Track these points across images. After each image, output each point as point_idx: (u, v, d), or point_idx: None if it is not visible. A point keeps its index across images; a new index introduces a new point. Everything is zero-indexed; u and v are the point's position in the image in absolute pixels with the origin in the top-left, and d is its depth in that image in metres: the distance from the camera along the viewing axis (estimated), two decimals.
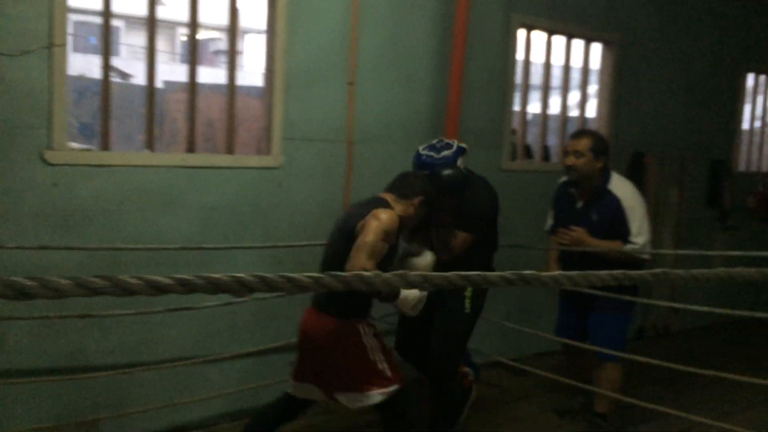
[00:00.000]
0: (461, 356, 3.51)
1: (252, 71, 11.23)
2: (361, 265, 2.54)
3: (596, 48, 5.49)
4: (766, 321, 6.01)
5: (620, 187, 3.61)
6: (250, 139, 4.07)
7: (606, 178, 3.62)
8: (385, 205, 2.88)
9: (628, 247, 3.51)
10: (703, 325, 6.31)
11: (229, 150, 3.80)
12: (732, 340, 5.83)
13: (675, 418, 3.74)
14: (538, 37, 5.08)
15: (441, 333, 3.34)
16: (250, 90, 4.16)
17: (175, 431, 3.70)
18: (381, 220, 2.71)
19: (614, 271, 1.36)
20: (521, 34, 4.93)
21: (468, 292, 3.30)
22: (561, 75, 5.33)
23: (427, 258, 3.18)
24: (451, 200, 3.19)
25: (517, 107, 5.13)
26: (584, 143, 3.57)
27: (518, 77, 5.03)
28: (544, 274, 1.16)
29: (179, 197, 3.59)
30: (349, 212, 2.98)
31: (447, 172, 3.15)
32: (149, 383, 3.60)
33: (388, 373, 2.87)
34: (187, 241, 3.59)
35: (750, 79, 6.76)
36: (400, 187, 3.00)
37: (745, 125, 6.90)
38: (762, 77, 6.89)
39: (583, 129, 4.44)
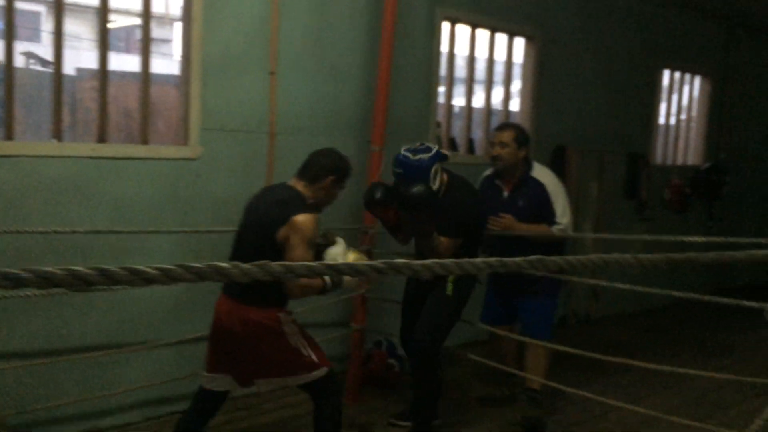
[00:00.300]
0: (442, 338, 3.50)
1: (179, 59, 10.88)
2: (304, 283, 2.74)
3: (519, 43, 5.58)
4: (679, 308, 6.29)
5: (542, 173, 3.89)
6: (168, 130, 3.95)
7: (528, 167, 3.87)
8: (297, 200, 2.84)
9: (555, 228, 3.76)
10: (621, 313, 6.53)
11: (144, 140, 3.67)
12: (648, 326, 6.06)
13: (593, 402, 3.86)
14: (463, 30, 5.12)
15: (424, 316, 3.46)
16: (168, 79, 4.02)
17: (88, 425, 3.56)
18: (302, 231, 2.73)
19: (545, 257, 1.38)
20: (446, 27, 4.96)
21: (451, 277, 3.37)
22: (485, 69, 5.39)
23: (340, 245, 3.15)
24: (424, 215, 3.25)
25: (441, 100, 5.16)
26: (508, 135, 3.79)
27: (443, 70, 5.06)
28: (415, 262, 1.15)
29: (89, 189, 3.45)
30: (263, 205, 2.90)
31: (414, 189, 3.18)
32: (61, 376, 3.45)
33: (314, 357, 2.87)
34: (99, 235, 3.45)
35: (666, 75, 7.02)
36: (309, 170, 2.95)
37: (662, 120, 7.16)
38: (677, 74, 7.16)
39: (506, 122, 4.67)
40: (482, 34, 5.26)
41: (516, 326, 4.11)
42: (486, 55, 5.33)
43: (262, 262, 1.09)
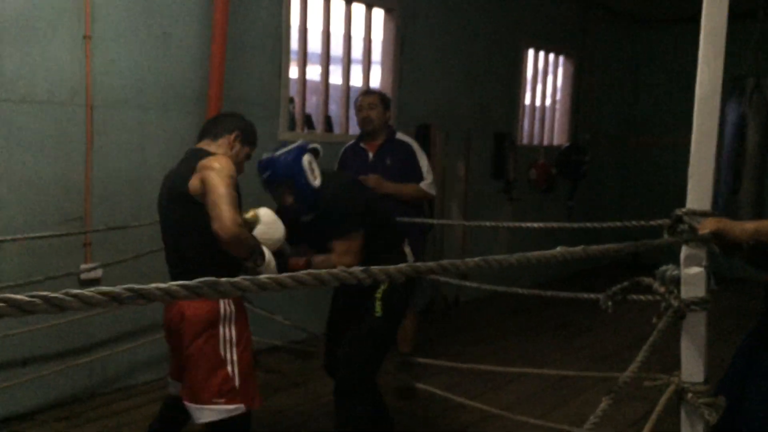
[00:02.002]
0: (372, 370, 2.87)
1: None
2: (230, 217, 2.17)
3: (378, 15, 5.32)
4: (549, 287, 6.29)
5: (405, 136, 4.07)
6: None
7: (392, 130, 4.02)
8: (204, 152, 2.43)
9: (424, 183, 3.90)
10: (492, 294, 6.45)
11: None
12: (515, 308, 6.01)
13: (439, 397, 3.70)
14: (315, 1, 4.80)
15: (347, 339, 2.85)
16: None
17: None
18: (215, 167, 2.28)
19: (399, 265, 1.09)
20: None
21: (378, 293, 2.80)
22: (342, 43, 5.09)
23: (266, 215, 2.55)
24: (298, 199, 2.71)
25: (294, 75, 4.81)
26: (374, 97, 3.95)
27: (295, 44, 4.71)
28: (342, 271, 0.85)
29: None
30: (169, 178, 2.51)
31: (285, 165, 2.68)
32: None
33: (236, 382, 2.33)
34: None
35: (530, 55, 7.00)
36: (210, 130, 2.56)
37: (529, 101, 7.16)
38: (541, 53, 7.17)
39: (369, 89, 4.82)
40: (337, 4, 4.95)
41: None
42: (343, 29, 5.03)
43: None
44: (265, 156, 2.77)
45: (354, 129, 5.42)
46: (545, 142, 7.45)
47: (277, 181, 2.71)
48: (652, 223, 2.11)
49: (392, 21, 5.35)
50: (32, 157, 3.41)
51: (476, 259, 1.31)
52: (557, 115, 7.66)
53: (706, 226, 1.78)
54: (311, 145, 2.80)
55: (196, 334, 2.33)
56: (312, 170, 2.71)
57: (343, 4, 4.99)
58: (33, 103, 3.38)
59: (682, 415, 2.01)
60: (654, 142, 8.29)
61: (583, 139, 7.58)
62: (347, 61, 5.15)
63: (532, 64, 7.06)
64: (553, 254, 1.36)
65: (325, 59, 4.99)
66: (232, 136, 2.53)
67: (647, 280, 2.05)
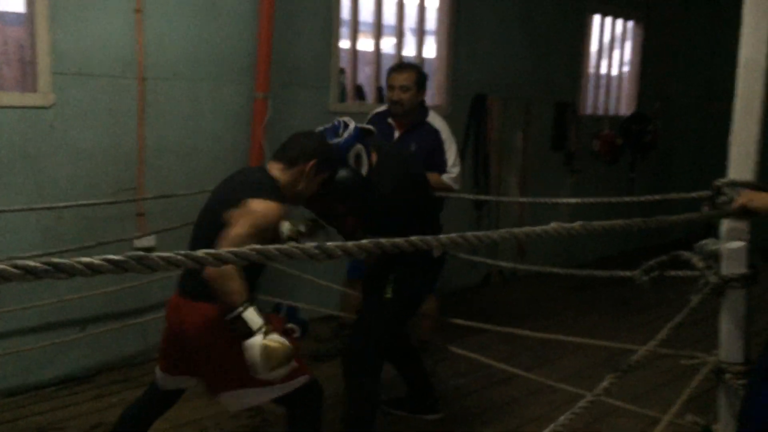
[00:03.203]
0: (379, 350, 2.89)
1: None
2: (224, 272, 2.07)
3: None
4: (612, 263, 6.11)
5: (437, 120, 3.59)
6: (18, 75, 3.51)
7: (425, 111, 3.58)
8: (265, 186, 2.34)
9: (446, 176, 3.52)
10: (548, 271, 6.31)
11: None
12: (574, 284, 5.84)
13: (496, 369, 3.64)
14: None
15: (359, 320, 2.96)
16: (12, 18, 3.56)
17: None
18: (253, 214, 2.20)
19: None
20: None
21: (391, 277, 2.81)
22: (396, 12, 5.01)
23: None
24: (351, 204, 2.66)
25: (346, 46, 4.77)
26: (408, 76, 3.44)
27: (345, 13, 4.67)
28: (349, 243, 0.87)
29: None
30: (227, 187, 2.42)
31: (340, 175, 2.57)
32: None
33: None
34: None
35: (596, 20, 6.72)
36: (288, 151, 2.44)
37: (594, 68, 6.88)
38: (608, 19, 6.86)
39: (403, 62, 4.08)
40: None
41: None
42: None
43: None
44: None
45: None
46: (611, 112, 7.17)
47: None
48: (693, 195, 1.99)
49: None
50: (87, 129, 3.52)
51: (453, 235, 1.25)
52: (624, 83, 7.34)
53: (738, 200, 1.66)
54: (364, 126, 2.71)
55: (215, 339, 2.29)
56: (358, 161, 2.63)
57: None
58: (87, 76, 3.49)
59: (720, 395, 1.91)
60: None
61: (654, 107, 7.23)
62: (400, 31, 5.07)
63: (598, 29, 6.77)
64: (545, 230, 1.28)
65: (377, 29, 4.92)
66: (309, 165, 2.42)
67: (686, 254, 1.95)
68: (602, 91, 7.05)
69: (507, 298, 5.63)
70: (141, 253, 0.89)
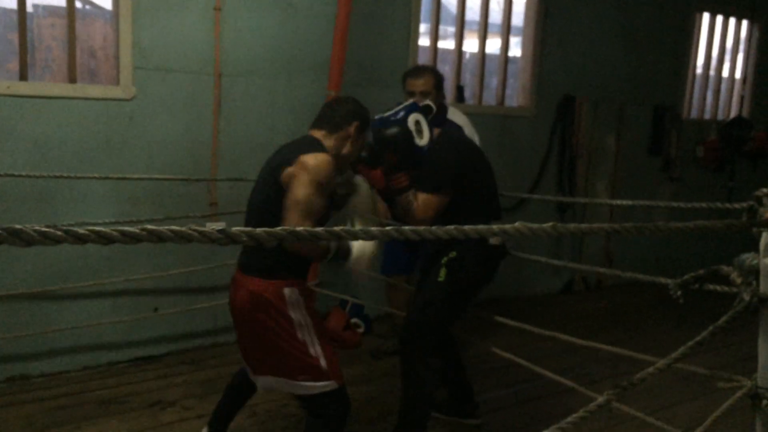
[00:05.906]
0: (434, 335, 2.90)
1: None
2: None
3: None
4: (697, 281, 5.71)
5: (458, 116, 3.60)
6: (102, 69, 3.74)
7: (445, 109, 3.53)
8: (315, 145, 2.38)
9: None
10: (637, 280, 5.99)
11: (72, 79, 3.48)
12: (663, 296, 5.51)
13: (549, 379, 3.50)
14: None
15: (413, 305, 2.96)
16: (98, 14, 3.80)
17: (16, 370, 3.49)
18: (309, 169, 2.24)
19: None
20: None
21: (444, 260, 2.82)
22: (480, 9, 4.92)
23: (363, 188, 2.72)
24: (401, 160, 2.68)
25: (426, 43, 4.74)
26: (427, 81, 3.36)
27: (426, 10, 4.64)
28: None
29: (6, 129, 3.29)
30: (277, 156, 2.47)
31: (390, 130, 2.62)
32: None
33: (323, 363, 2.32)
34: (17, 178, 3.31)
35: (705, 18, 6.29)
36: (328, 118, 2.47)
37: (700, 69, 6.46)
38: (719, 17, 6.41)
39: (419, 66, 3.87)
40: None
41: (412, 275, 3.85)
42: None
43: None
44: (377, 117, 2.74)
45: (488, 99, 5.26)
46: (720, 117, 6.69)
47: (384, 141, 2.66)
48: (736, 206, 1.82)
49: None
50: (164, 122, 3.70)
51: (450, 227, 1.22)
52: (736, 86, 6.83)
53: None
54: (423, 103, 2.77)
55: (260, 316, 2.32)
56: (419, 129, 2.67)
57: None
58: (166, 71, 3.67)
59: (757, 422, 1.74)
60: None
61: None
62: (484, 30, 4.97)
63: (707, 28, 6.33)
64: (543, 229, 1.21)
65: (460, 25, 4.86)
66: (352, 128, 2.45)
67: (726, 269, 1.78)
68: (710, 93, 6.60)
69: (588, 306, 5.39)
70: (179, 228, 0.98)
